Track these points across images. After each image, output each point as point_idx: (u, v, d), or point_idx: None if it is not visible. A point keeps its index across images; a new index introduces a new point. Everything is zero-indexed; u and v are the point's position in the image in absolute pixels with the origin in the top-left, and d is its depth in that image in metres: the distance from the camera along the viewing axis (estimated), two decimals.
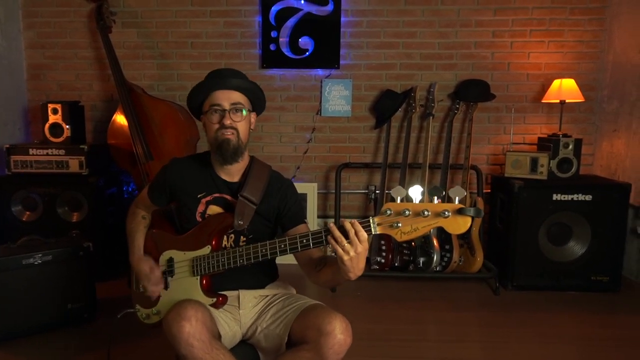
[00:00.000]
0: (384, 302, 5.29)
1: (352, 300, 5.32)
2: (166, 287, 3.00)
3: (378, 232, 2.46)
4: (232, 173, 3.05)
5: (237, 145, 2.93)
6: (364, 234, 2.44)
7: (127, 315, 3.16)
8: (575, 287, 5.47)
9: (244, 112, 2.96)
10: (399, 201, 2.47)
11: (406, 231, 2.43)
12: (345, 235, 2.44)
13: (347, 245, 2.43)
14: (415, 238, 2.46)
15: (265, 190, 3.02)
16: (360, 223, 2.48)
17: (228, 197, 3.02)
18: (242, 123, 2.95)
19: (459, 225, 2.38)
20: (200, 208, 3.00)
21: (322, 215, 6.49)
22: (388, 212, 2.44)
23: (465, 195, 2.38)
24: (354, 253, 2.44)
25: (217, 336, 2.72)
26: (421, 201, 2.43)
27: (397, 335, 4.51)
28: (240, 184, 3.03)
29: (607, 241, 5.41)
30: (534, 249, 5.44)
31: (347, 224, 2.45)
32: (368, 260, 5.86)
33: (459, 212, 2.36)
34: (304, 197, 6.23)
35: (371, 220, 2.47)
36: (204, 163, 3.10)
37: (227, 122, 2.89)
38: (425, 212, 2.38)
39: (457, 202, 2.40)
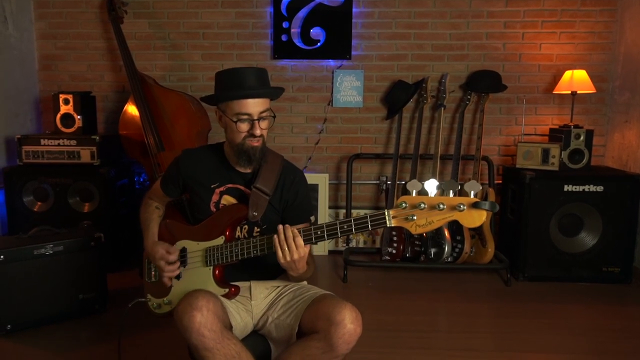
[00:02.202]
0: (395, 292, 5.30)
1: (363, 290, 5.34)
2: (178, 277, 3.00)
3: (393, 225, 2.49)
4: (247, 165, 3.04)
5: (262, 148, 2.94)
6: (300, 241, 2.61)
7: (138, 305, 3.15)
8: (587, 278, 5.47)
9: (271, 118, 2.93)
10: (414, 194, 2.48)
11: (421, 224, 2.45)
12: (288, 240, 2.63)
13: (286, 249, 2.60)
14: (430, 231, 2.49)
15: (277, 180, 3.01)
16: (376, 215, 2.53)
17: (242, 187, 3.01)
18: (267, 129, 2.94)
19: (473, 218, 2.41)
20: (215, 198, 3.00)
21: (334, 206, 6.50)
22: (403, 205, 2.47)
23: (480, 188, 2.42)
24: (290, 259, 2.62)
25: (229, 327, 2.72)
26: (436, 195, 2.45)
27: (407, 325, 4.53)
28: (253, 174, 3.01)
29: (618, 232, 5.41)
30: (545, 240, 5.44)
31: (288, 231, 2.62)
32: (379, 250, 5.88)
33: (474, 205, 2.39)
34: (315, 187, 6.26)
35: (386, 213, 2.50)
36: (217, 154, 3.08)
37: (258, 132, 2.85)
38: (441, 206, 2.40)
39: (472, 196, 2.42)
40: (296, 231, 2.62)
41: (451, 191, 2.45)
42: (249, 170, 3.03)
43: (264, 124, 2.88)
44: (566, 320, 4.67)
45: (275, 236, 2.62)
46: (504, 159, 6.34)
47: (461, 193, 2.52)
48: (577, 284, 5.45)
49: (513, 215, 5.71)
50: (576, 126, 5.58)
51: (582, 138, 5.48)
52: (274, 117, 2.97)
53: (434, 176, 5.74)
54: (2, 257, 4.15)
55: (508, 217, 5.84)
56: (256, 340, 2.94)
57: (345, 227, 2.58)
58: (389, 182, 6.05)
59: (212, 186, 3.01)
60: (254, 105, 2.83)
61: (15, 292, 4.23)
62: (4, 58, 5.88)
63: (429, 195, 2.45)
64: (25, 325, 4.29)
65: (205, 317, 2.50)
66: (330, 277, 5.66)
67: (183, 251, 3.00)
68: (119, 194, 5.79)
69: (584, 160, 5.50)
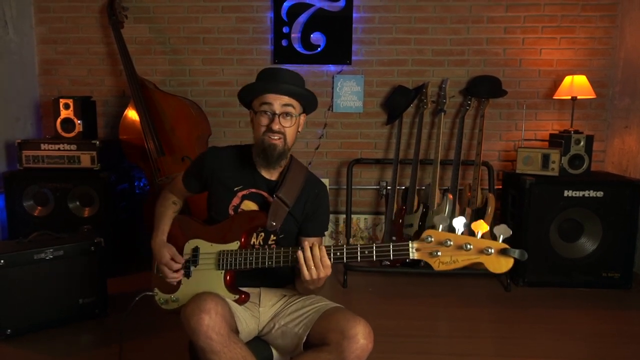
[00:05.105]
0: (395, 298, 5.30)
1: (363, 295, 5.34)
2: (188, 275, 2.97)
3: (416, 258, 2.46)
4: (272, 171, 3.02)
5: (283, 150, 2.90)
6: (327, 261, 2.60)
7: (145, 299, 3.11)
8: (586, 284, 5.47)
9: (294, 117, 2.91)
10: (440, 229, 2.45)
11: (445, 261, 2.41)
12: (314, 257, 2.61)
13: (313, 268, 2.59)
14: (452, 269, 2.45)
15: (300, 193, 2.99)
16: (399, 247, 2.51)
17: (265, 194, 3.00)
18: (290, 128, 2.90)
19: (500, 264, 2.37)
20: (235, 201, 2.97)
21: (334, 211, 6.48)
22: (429, 239, 2.43)
23: (511, 234, 2.36)
24: (316, 276, 2.61)
25: (235, 330, 2.71)
26: (463, 233, 2.42)
27: (408, 331, 4.52)
28: (277, 183, 3.00)
29: (618, 238, 5.41)
30: (545, 245, 5.44)
31: (315, 249, 2.59)
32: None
33: (502, 252, 2.35)
34: None
35: (410, 245, 2.47)
36: (245, 156, 3.05)
37: (276, 127, 2.84)
38: (468, 246, 2.37)
39: (501, 240, 2.37)
40: (324, 252, 2.60)
41: (480, 232, 2.39)
42: (274, 178, 3.03)
43: (285, 121, 2.87)
44: (566, 326, 4.66)
45: (300, 253, 2.61)
46: (504, 164, 6.34)
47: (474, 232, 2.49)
48: (577, 289, 5.44)
49: (513, 221, 5.70)
50: (576, 131, 5.58)
51: (582, 143, 5.48)
52: (300, 114, 2.99)
53: (434, 181, 5.75)
54: (2, 261, 4.13)
55: (508, 222, 5.81)
56: (259, 345, 2.92)
57: (366, 252, 2.57)
58: (389, 188, 6.06)
59: (235, 189, 2.99)
60: (276, 98, 2.85)
61: (15, 297, 4.21)
62: (4, 63, 5.89)
63: (457, 233, 2.42)
64: (25, 330, 4.28)
65: (214, 320, 2.50)
66: (330, 282, 5.63)
67: (195, 250, 2.96)
68: (119, 199, 5.79)
69: (584, 166, 5.50)
